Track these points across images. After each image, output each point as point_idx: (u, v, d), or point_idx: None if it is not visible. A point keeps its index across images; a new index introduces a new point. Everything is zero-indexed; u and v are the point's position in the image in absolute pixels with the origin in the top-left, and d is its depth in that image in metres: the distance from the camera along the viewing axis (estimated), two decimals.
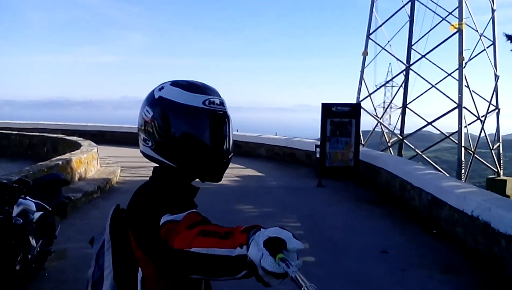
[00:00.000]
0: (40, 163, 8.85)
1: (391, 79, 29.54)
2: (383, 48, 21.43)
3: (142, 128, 1.62)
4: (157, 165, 1.65)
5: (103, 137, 19.71)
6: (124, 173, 11.89)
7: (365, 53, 21.11)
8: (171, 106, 1.56)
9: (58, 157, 9.61)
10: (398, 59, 22.18)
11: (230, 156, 1.69)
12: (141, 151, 1.67)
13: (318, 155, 12.23)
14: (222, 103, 1.62)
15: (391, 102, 26.21)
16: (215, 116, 1.59)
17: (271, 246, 1.11)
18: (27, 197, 4.29)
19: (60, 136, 14.52)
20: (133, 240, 1.52)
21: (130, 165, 13.33)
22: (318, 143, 12.74)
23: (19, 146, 15.17)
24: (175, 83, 1.62)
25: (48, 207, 4.53)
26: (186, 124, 1.56)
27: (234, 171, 12.90)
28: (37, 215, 4.36)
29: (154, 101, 1.60)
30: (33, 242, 4.29)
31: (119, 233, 1.61)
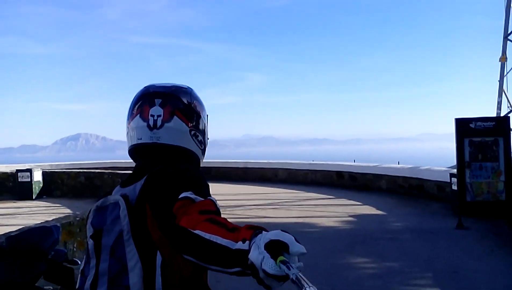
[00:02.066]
0: None
1: None
2: None
3: (190, 120, 1.78)
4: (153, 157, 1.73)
5: (208, 173, 18.61)
6: None
7: (503, 59, 17.64)
8: (201, 101, 1.85)
9: None
10: None
11: None
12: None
13: (455, 187, 9.53)
14: None
15: None
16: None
17: (272, 248, 1.10)
18: None
19: None
20: (153, 222, 1.51)
21: (226, 204, 11.74)
22: (454, 171, 10.04)
23: (112, 186, 14.32)
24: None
25: None
26: (204, 120, 1.84)
27: (347, 209, 10.64)
28: None
29: (192, 94, 1.82)
30: None
31: (137, 222, 1.56)
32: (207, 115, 1.85)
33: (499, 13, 18.88)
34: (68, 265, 3.22)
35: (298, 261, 1.10)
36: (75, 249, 5.57)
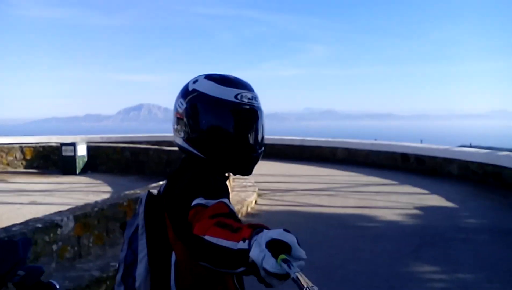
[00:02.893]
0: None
1: None
2: None
3: (176, 120, 1.68)
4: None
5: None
6: (263, 200, 9.42)
7: None
8: (203, 99, 1.62)
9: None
10: None
11: (260, 151, 1.68)
12: (174, 142, 1.74)
13: None
14: (254, 98, 1.65)
15: None
16: (245, 110, 1.61)
17: (274, 247, 1.10)
18: None
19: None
20: (169, 223, 1.56)
21: (276, 187, 10.88)
22: None
23: (158, 163, 13.95)
24: (208, 77, 1.67)
25: None
26: (216, 117, 1.60)
27: (413, 199, 9.48)
28: None
29: (188, 93, 1.66)
30: None
31: (153, 218, 1.62)
32: (181, 102, 1.69)
33: None
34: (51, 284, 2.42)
35: (299, 260, 1.10)
36: (91, 245, 4.93)
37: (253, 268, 1.12)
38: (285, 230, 1.12)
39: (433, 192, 10.30)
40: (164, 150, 13.92)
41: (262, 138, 1.69)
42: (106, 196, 10.25)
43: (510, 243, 6.50)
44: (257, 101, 1.65)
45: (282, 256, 1.07)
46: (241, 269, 1.16)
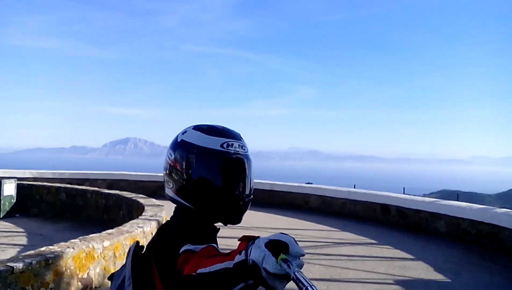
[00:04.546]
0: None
1: None
2: None
3: (166, 171, 1.71)
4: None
5: None
6: None
7: None
8: (189, 149, 1.64)
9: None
10: None
11: (247, 199, 1.69)
12: (165, 193, 1.73)
13: None
14: (241, 146, 1.67)
15: None
16: (231, 159, 1.63)
17: (273, 247, 1.14)
18: None
19: (134, 196, 10.50)
20: (156, 274, 1.55)
21: (231, 245, 8.86)
22: None
23: (96, 208, 11.87)
24: (196, 127, 1.70)
25: None
26: (203, 167, 1.62)
27: (392, 268, 7.58)
28: None
29: (176, 145, 1.69)
30: None
31: (140, 269, 1.61)
32: (170, 153, 1.72)
33: None
34: None
35: (299, 259, 1.15)
36: None
37: (252, 270, 1.15)
38: (281, 233, 1.21)
39: (418, 257, 8.43)
40: (103, 193, 11.77)
41: (250, 185, 1.70)
42: (13, 253, 8.21)
43: None
44: (244, 149, 1.68)
45: (282, 256, 1.12)
46: (240, 285, 1.18)
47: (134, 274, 1.59)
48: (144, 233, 6.64)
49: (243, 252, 1.17)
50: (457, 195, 18.91)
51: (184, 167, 1.61)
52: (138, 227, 6.54)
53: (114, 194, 11.07)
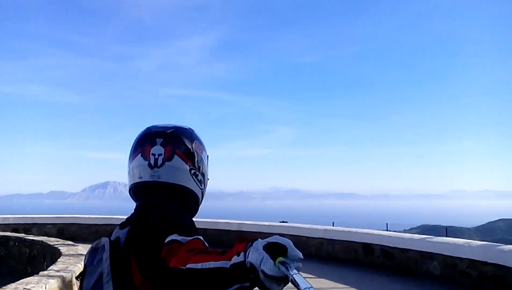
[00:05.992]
0: None
1: None
2: None
3: (196, 152, 1.85)
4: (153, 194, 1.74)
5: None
6: None
7: None
8: (204, 147, 1.87)
9: None
10: None
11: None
12: (187, 187, 1.79)
13: None
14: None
15: None
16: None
17: (271, 249, 1.19)
18: None
19: (59, 243, 8.58)
20: (135, 267, 1.54)
21: None
22: None
23: (18, 259, 9.82)
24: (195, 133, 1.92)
25: None
26: (207, 167, 1.86)
27: None
28: None
29: (196, 136, 1.87)
30: None
31: (118, 264, 1.58)
32: (208, 156, 1.86)
33: None
34: None
35: (296, 262, 1.19)
36: None
37: (249, 272, 1.18)
38: (279, 236, 1.22)
39: None
40: (27, 240, 9.71)
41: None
42: None
43: None
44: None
45: (280, 258, 1.16)
46: (235, 286, 1.20)
47: (113, 269, 1.55)
48: None
49: (242, 253, 1.20)
50: (445, 230, 17.23)
51: (201, 157, 1.80)
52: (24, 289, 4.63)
53: (38, 241, 9.10)
